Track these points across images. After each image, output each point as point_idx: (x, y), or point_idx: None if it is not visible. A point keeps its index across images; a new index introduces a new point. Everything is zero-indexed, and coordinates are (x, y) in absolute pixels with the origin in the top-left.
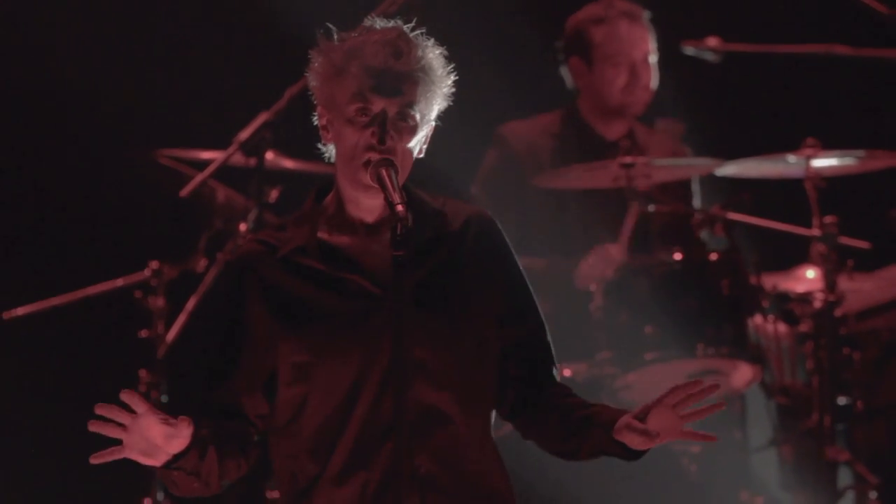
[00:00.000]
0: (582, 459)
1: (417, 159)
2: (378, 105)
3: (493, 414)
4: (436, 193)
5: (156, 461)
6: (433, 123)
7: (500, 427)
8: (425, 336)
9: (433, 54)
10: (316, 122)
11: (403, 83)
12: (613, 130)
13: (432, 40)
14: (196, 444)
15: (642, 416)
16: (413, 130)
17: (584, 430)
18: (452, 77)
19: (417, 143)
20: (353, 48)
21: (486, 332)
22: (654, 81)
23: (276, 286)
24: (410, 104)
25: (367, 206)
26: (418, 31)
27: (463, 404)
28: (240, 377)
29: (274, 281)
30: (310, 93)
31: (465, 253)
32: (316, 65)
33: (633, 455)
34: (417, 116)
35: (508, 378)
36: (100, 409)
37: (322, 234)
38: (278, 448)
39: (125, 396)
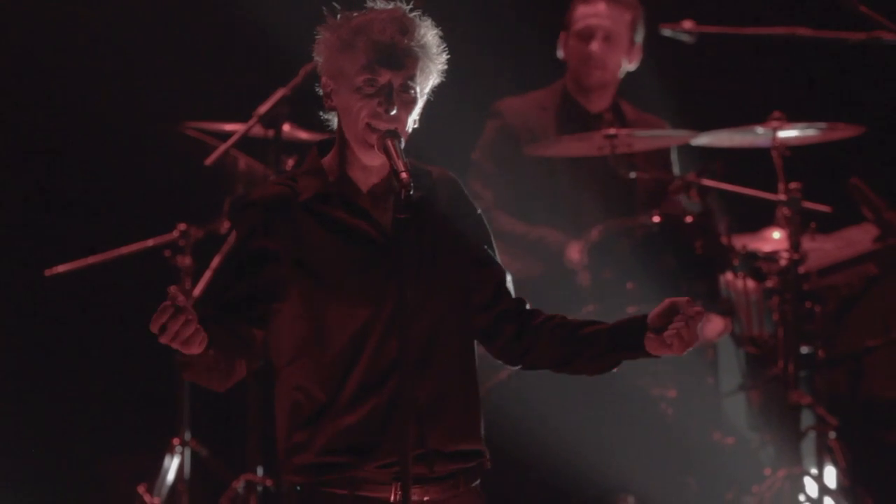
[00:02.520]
0: (582, 369)
1: (421, 131)
2: (385, 77)
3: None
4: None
5: (184, 349)
6: (427, 97)
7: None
8: (423, 281)
9: (431, 34)
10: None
11: (407, 58)
12: (596, 104)
13: (430, 20)
14: (209, 350)
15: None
16: (413, 101)
17: (599, 339)
18: (445, 55)
19: (415, 114)
20: (360, 24)
21: (467, 275)
22: (611, 59)
23: (297, 226)
24: (412, 77)
25: (369, 168)
26: (418, 12)
27: (455, 342)
28: (251, 292)
29: (296, 221)
30: (319, 66)
31: (442, 207)
32: (323, 39)
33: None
34: (417, 89)
35: (502, 313)
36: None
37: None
38: (283, 381)
39: (172, 292)
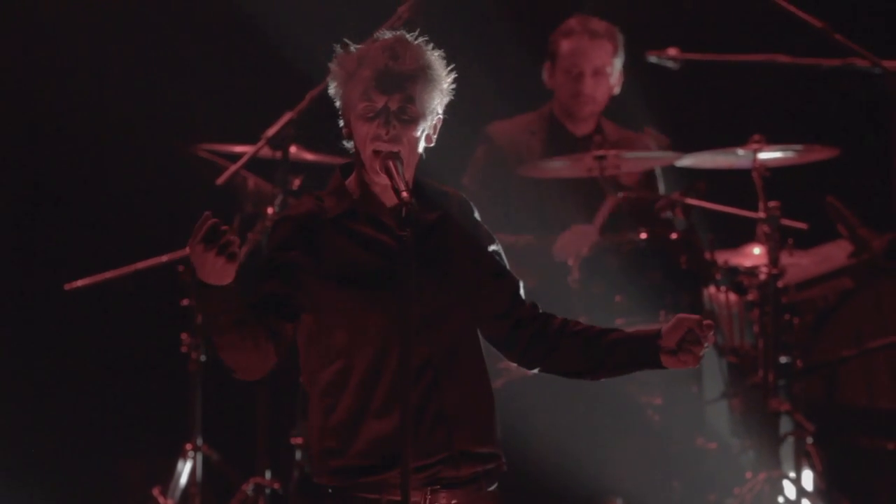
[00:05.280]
0: (602, 376)
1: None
2: (381, 101)
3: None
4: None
5: (219, 272)
6: (440, 115)
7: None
8: (443, 290)
9: (431, 55)
10: (339, 123)
11: (403, 81)
12: (581, 128)
13: (431, 44)
14: (236, 290)
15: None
16: (415, 121)
17: (617, 351)
18: (451, 74)
19: (423, 132)
20: (361, 55)
21: (484, 287)
22: (600, 92)
23: (326, 241)
24: (410, 99)
25: (387, 188)
26: (418, 37)
27: (475, 349)
28: (280, 291)
29: (325, 236)
30: (334, 99)
31: (457, 224)
32: (334, 72)
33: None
34: (417, 108)
35: (518, 321)
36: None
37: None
38: (315, 388)
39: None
